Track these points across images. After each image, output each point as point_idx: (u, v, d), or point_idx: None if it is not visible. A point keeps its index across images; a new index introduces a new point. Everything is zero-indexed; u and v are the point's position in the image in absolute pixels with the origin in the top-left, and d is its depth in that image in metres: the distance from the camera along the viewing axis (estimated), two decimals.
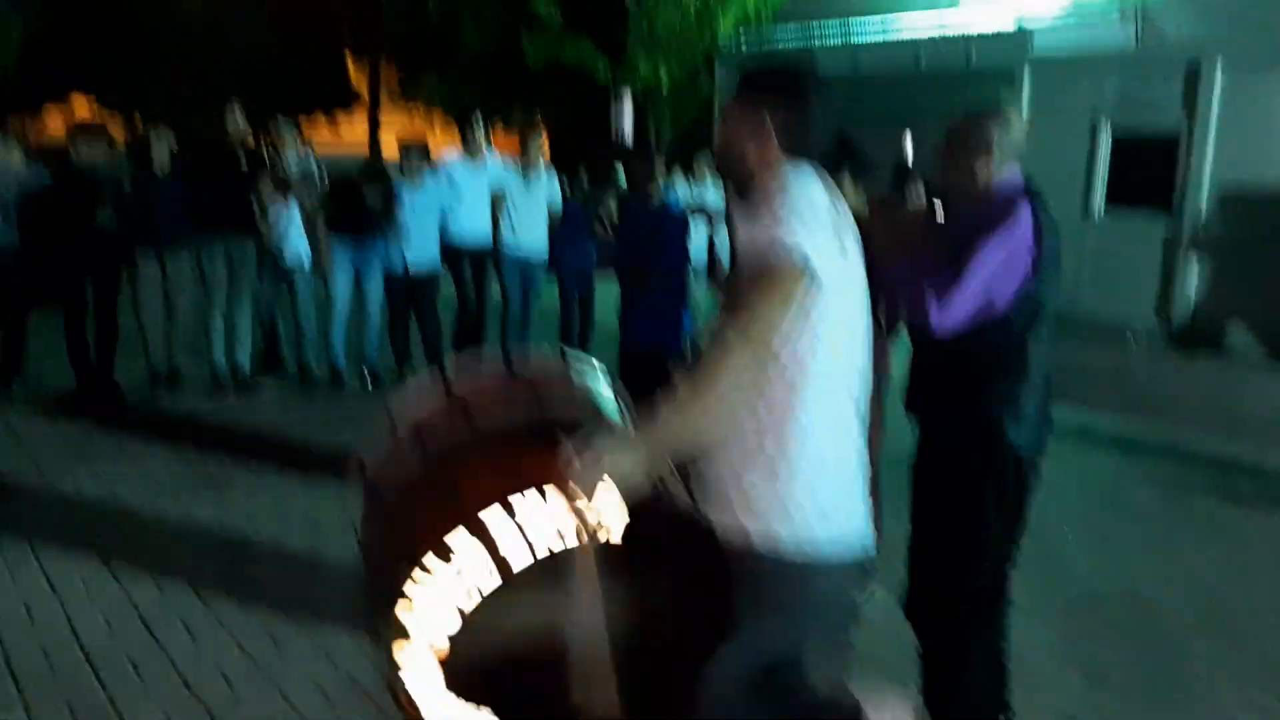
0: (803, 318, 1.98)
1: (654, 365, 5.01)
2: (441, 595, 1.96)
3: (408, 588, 1.96)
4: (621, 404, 2.37)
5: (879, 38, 13.69)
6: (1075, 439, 6.92)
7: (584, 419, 2.18)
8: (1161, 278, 11.36)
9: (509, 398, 2.32)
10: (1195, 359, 10.32)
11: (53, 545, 4.64)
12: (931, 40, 13.07)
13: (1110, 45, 11.76)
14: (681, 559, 1.99)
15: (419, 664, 2.05)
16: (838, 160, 4.28)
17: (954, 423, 2.97)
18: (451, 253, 7.88)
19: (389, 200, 7.39)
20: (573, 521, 1.86)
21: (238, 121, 7.35)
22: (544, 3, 17.47)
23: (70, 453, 6.01)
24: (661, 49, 17.08)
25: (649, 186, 5.83)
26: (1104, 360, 9.79)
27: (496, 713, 2.13)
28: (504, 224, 8.05)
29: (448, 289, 8.00)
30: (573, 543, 1.91)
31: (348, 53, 32.73)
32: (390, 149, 8.26)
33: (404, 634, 2.01)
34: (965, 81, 11.92)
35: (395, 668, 2.07)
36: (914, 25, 13.40)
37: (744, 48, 15.89)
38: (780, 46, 15.12)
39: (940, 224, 3.03)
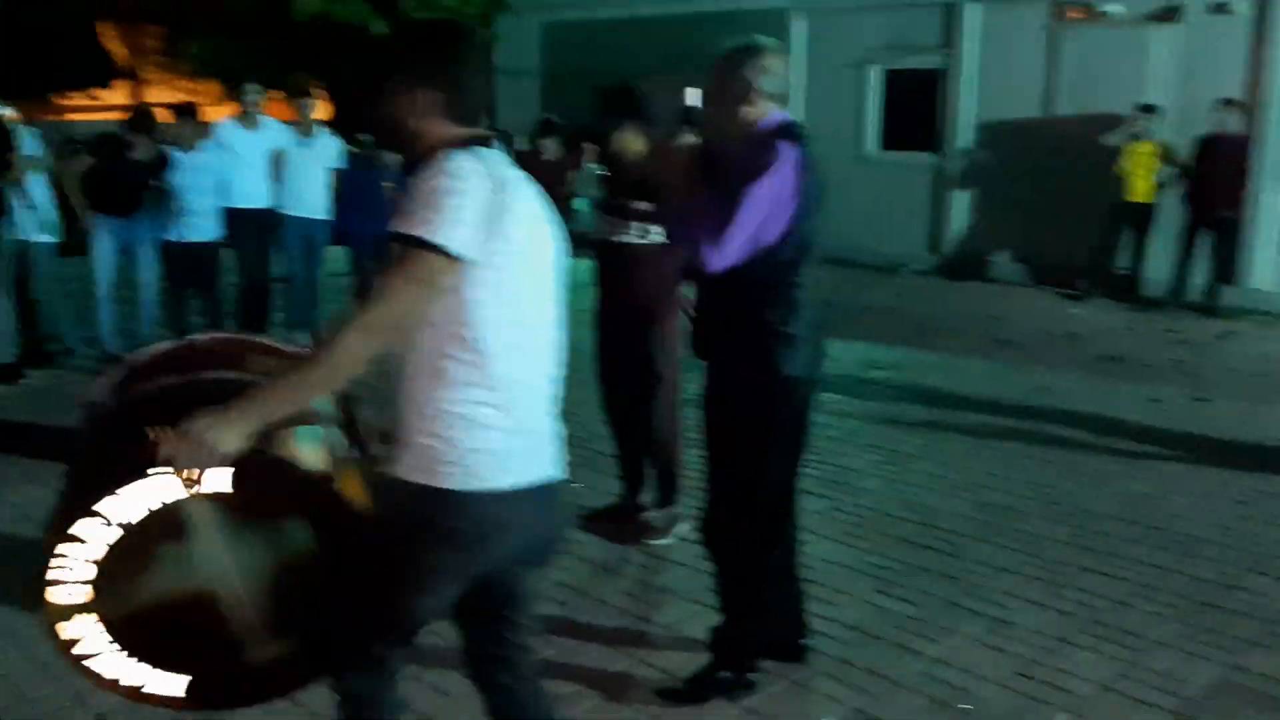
0: (449, 296, 2.01)
1: None
2: (78, 562, 2.11)
3: (54, 561, 2.10)
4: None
5: None
6: (857, 368, 7.29)
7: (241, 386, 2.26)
8: (931, 213, 12.06)
9: (167, 368, 2.43)
10: (964, 287, 11.04)
11: None
12: None
13: None
14: (297, 499, 2.17)
15: (83, 633, 2.18)
16: (620, 111, 4.35)
17: (732, 354, 3.11)
18: (232, 220, 7.56)
19: (160, 168, 7.01)
20: (181, 481, 2.03)
21: None
22: None
23: None
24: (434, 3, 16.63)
25: None
26: (881, 295, 10.35)
27: (162, 664, 2.26)
28: (283, 188, 7.81)
29: (230, 258, 7.67)
30: (182, 495, 2.08)
31: (102, 21, 30.48)
32: (159, 116, 7.81)
33: (60, 610, 2.14)
34: (737, 24, 12.19)
35: (65, 643, 2.18)
36: None
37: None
38: None
39: (711, 167, 3.13)
